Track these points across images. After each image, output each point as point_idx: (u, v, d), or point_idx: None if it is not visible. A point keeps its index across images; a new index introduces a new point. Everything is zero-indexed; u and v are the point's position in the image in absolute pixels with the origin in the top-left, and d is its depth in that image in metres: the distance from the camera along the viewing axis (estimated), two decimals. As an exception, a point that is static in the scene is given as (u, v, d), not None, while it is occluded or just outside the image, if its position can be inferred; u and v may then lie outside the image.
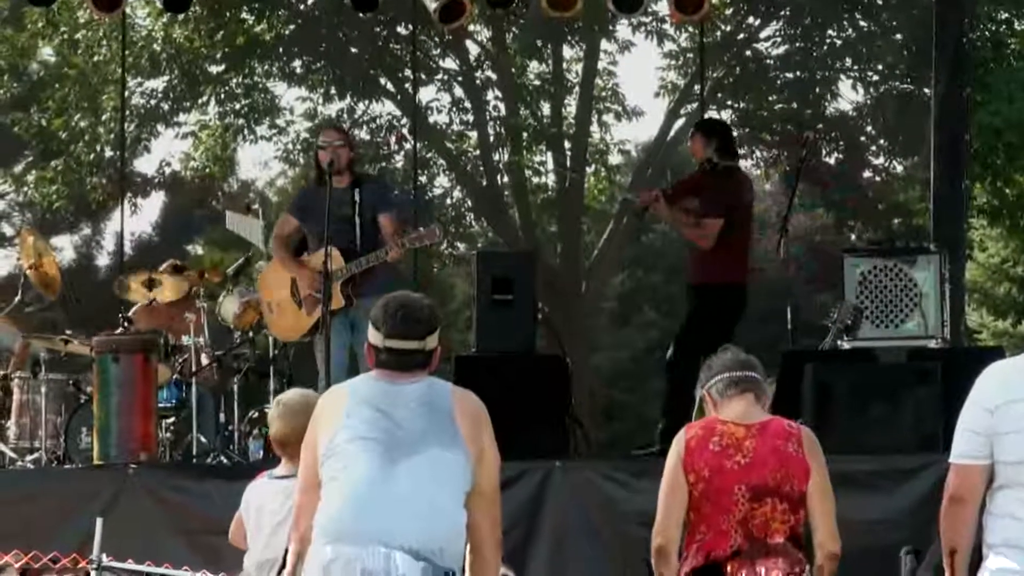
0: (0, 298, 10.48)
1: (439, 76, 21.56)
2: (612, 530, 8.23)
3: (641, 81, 49.93)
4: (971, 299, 23.65)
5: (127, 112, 19.51)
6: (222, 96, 21.15)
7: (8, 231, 25.35)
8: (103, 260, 26.46)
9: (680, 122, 21.93)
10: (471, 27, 20.47)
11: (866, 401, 8.47)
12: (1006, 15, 18.32)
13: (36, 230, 11.80)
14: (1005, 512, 4.59)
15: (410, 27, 18.95)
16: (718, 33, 20.76)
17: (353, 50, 20.71)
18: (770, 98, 21.24)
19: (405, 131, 21.26)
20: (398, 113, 21.46)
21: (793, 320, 9.83)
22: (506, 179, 22.12)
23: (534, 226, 21.99)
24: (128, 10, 16.84)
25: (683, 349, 9.46)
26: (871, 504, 7.88)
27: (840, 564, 5.42)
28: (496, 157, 22.01)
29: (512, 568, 6.83)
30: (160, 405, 9.49)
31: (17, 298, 10.46)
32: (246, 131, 21.57)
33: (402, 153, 21.57)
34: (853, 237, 21.39)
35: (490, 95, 21.85)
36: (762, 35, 21.32)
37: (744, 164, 22.98)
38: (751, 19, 21.20)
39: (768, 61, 21.25)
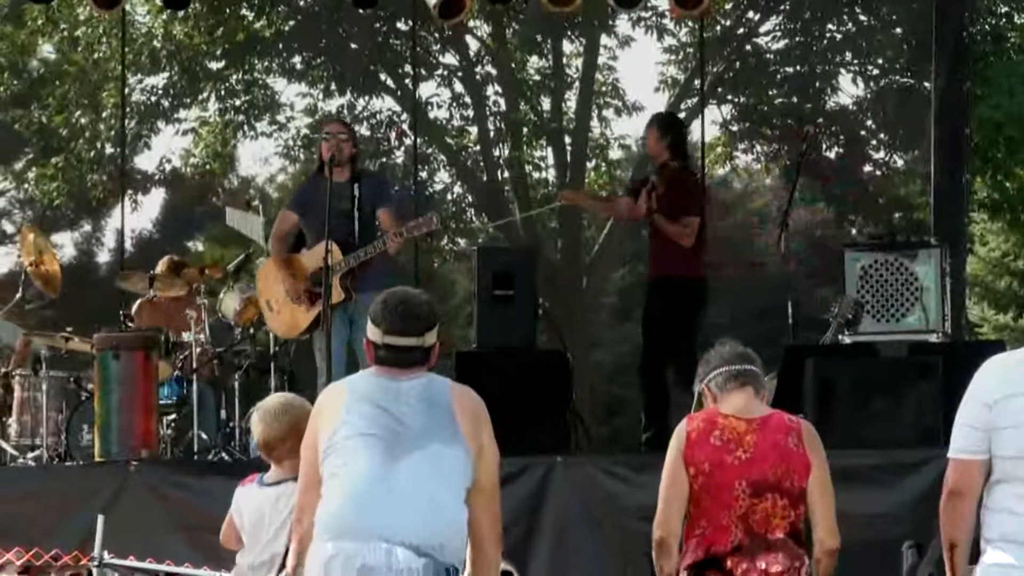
0: (1, 295, 10.47)
1: (439, 71, 21.55)
2: (613, 525, 8.23)
3: (641, 76, 49.90)
4: (972, 293, 23.65)
5: (127, 109, 19.50)
6: (222, 92, 21.14)
7: (9, 228, 25.36)
8: (103, 257, 26.48)
9: (680, 117, 21.90)
10: (471, 22, 20.47)
11: (867, 395, 8.47)
12: (1006, 8, 18.31)
13: (37, 227, 11.78)
14: (1003, 507, 4.58)
15: (410, 23, 18.95)
16: (718, 28, 20.75)
17: (353, 46, 20.70)
18: (770, 92, 21.22)
19: (405, 127, 21.26)
20: (398, 109, 21.47)
21: (794, 315, 9.83)
22: (506, 174, 22.12)
23: (534, 222, 21.98)
24: (128, 7, 16.87)
25: (652, 350, 9.57)
26: (872, 498, 7.88)
27: (841, 558, 5.42)
28: (496, 152, 22.00)
29: (513, 564, 6.83)
30: (161, 402, 9.50)
31: (18, 295, 10.46)
32: (246, 127, 21.56)
33: (402, 149, 21.57)
34: (854, 231, 21.39)
35: (490, 90, 21.85)
36: (762, 29, 21.31)
37: (745, 159, 23.10)
38: (751, 13, 21.18)
39: (768, 55, 21.23)
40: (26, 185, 23.32)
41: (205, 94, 21.20)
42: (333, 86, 21.12)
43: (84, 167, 20.97)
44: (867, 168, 21.94)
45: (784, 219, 9.78)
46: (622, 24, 21.58)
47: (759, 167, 23.74)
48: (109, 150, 20.95)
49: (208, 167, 22.13)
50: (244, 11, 20.28)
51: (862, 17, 20.38)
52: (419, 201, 16.49)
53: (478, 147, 22.06)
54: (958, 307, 11.95)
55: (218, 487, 8.12)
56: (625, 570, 8.13)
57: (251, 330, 10.20)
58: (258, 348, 10.22)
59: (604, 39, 21.89)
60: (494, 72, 21.81)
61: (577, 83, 21.95)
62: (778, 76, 21.19)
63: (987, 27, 18.04)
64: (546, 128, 21.94)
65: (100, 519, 7.02)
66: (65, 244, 25.91)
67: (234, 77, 21.06)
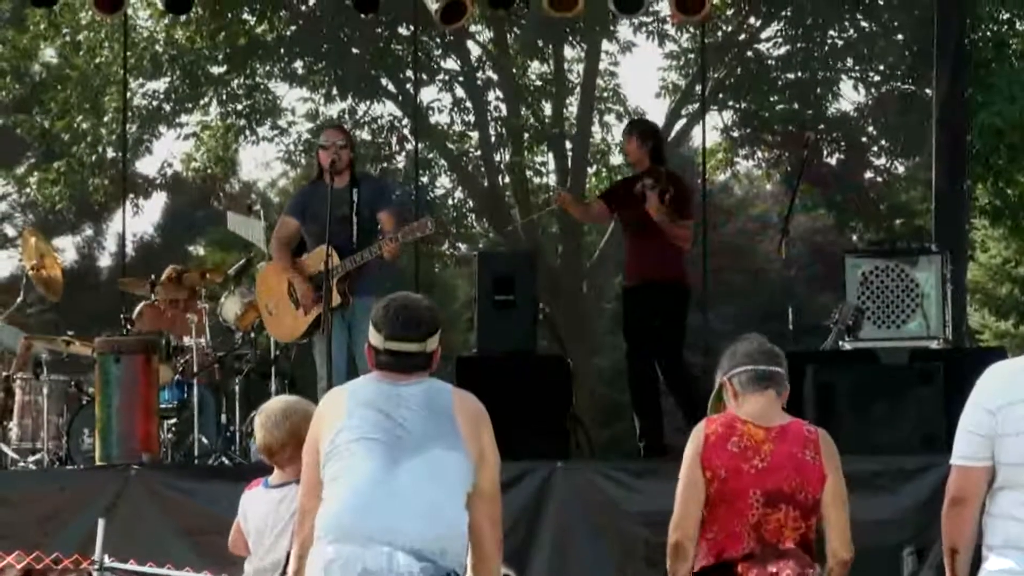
0: (2, 299, 10.48)
1: (440, 76, 21.56)
2: (613, 530, 8.23)
3: (642, 81, 49.94)
4: (973, 300, 23.64)
5: (129, 113, 19.51)
6: (224, 97, 21.16)
7: (11, 232, 25.37)
8: (105, 261, 26.50)
9: (681, 123, 21.94)
10: (472, 27, 20.50)
11: (868, 402, 8.46)
12: (1007, 15, 18.30)
13: (38, 231, 11.79)
14: (1006, 513, 4.58)
15: (411, 27, 18.95)
16: (719, 33, 20.76)
17: (354, 51, 20.71)
18: (771, 99, 21.22)
19: (406, 131, 21.26)
20: (399, 113, 21.49)
21: (794, 321, 9.83)
22: (507, 180, 22.12)
23: (535, 227, 21.99)
24: (130, 11, 16.88)
25: (642, 358, 9.54)
26: (873, 505, 7.87)
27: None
28: (497, 157, 22.02)
29: (513, 569, 6.82)
30: (162, 406, 9.50)
31: (19, 299, 10.47)
32: (247, 132, 21.58)
33: (403, 154, 21.58)
34: (854, 238, 21.39)
35: (491, 95, 21.87)
36: (763, 35, 21.33)
37: (746, 165, 23.12)
38: (752, 19, 21.19)
39: (769, 61, 21.24)
40: (28, 189, 23.34)
41: (207, 98, 21.22)
42: (334, 91, 21.14)
43: (86, 171, 20.98)
44: (868, 174, 21.95)
45: (785, 225, 9.78)
46: (623, 30, 21.64)
47: (760, 173, 23.75)
48: (111, 154, 20.97)
49: (209, 171, 22.15)
50: (246, 15, 20.30)
51: (863, 23, 20.40)
52: (420, 206, 16.49)
53: (479, 152, 22.08)
54: (959, 314, 11.92)
55: (219, 491, 8.14)
56: (625, 575, 8.13)
57: (252, 334, 10.20)
58: (259, 352, 10.22)
59: (605, 44, 21.94)
60: (495, 77, 21.83)
61: (578, 88, 21.97)
62: (779, 82, 21.20)
63: (988, 33, 18.03)
64: (547, 133, 21.95)
65: (101, 523, 7.03)
66: (67, 248, 25.94)
67: (235, 81, 21.08)
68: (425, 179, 21.36)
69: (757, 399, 5.35)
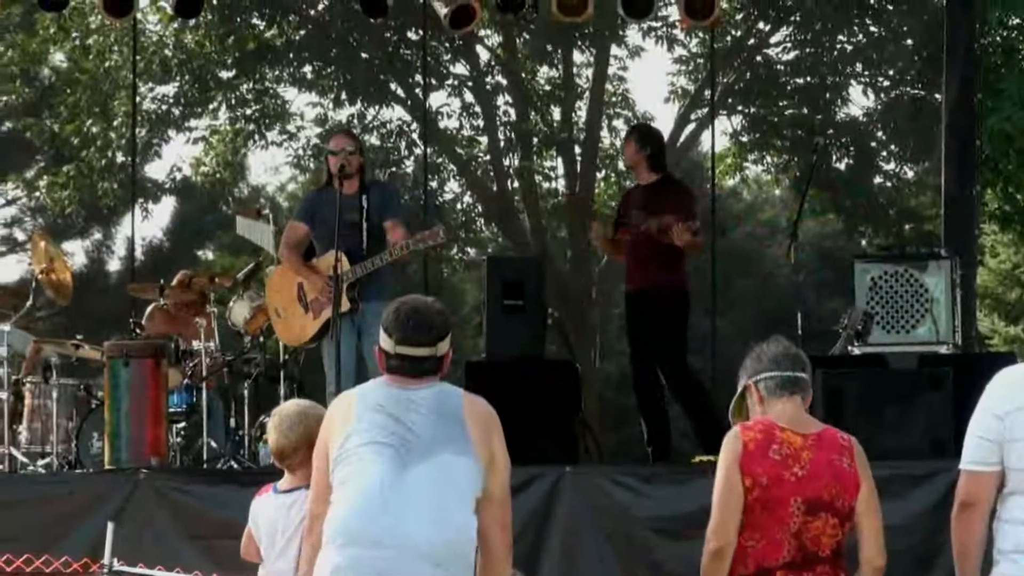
0: (12, 303, 10.49)
1: (449, 81, 21.57)
2: (622, 535, 8.22)
3: (651, 86, 49.96)
4: (982, 304, 23.62)
5: (138, 117, 19.53)
6: (233, 101, 21.19)
7: (20, 236, 25.39)
8: (114, 265, 26.47)
9: (691, 127, 21.95)
10: (481, 32, 20.50)
11: (877, 407, 8.45)
12: (1017, 20, 18.27)
13: (48, 235, 11.80)
14: (1016, 518, 4.58)
15: (420, 32, 18.97)
16: (728, 38, 20.76)
17: (363, 55, 20.73)
18: (780, 103, 21.23)
19: (415, 136, 21.27)
20: (408, 118, 21.49)
21: (803, 326, 9.81)
22: (516, 184, 22.13)
23: (544, 231, 21.99)
24: (139, 16, 16.91)
25: (646, 364, 9.51)
26: (883, 510, 7.84)
27: (850, 569, 5.40)
28: (506, 162, 22.03)
29: (523, 573, 6.82)
30: (171, 410, 9.51)
31: (29, 303, 10.47)
32: (257, 136, 21.61)
33: (412, 158, 21.59)
34: (864, 243, 21.38)
35: (500, 100, 21.88)
36: (772, 40, 21.33)
37: (755, 170, 23.12)
38: (761, 24, 21.19)
39: (778, 66, 21.25)
40: (37, 193, 23.35)
41: (216, 103, 21.25)
42: (343, 95, 21.15)
43: (95, 175, 21.00)
44: (877, 179, 21.93)
45: (794, 230, 9.77)
46: (632, 34, 21.64)
47: (769, 178, 23.75)
48: (120, 158, 20.99)
49: (218, 176, 22.18)
50: (255, 20, 20.34)
51: (872, 28, 20.40)
52: (429, 211, 16.52)
53: (488, 157, 22.08)
54: (968, 319, 11.90)
55: (227, 495, 8.14)
56: (634, 580, 8.13)
57: (261, 338, 10.21)
58: (268, 356, 10.23)
59: (614, 49, 21.93)
60: (504, 82, 21.84)
61: (587, 93, 21.97)
62: (788, 87, 21.20)
63: (998, 39, 18.01)
64: (556, 138, 21.96)
65: (110, 526, 7.03)
66: (76, 252, 25.92)
67: (245, 86, 21.11)
68: (434, 184, 21.37)
69: (786, 404, 5.30)
